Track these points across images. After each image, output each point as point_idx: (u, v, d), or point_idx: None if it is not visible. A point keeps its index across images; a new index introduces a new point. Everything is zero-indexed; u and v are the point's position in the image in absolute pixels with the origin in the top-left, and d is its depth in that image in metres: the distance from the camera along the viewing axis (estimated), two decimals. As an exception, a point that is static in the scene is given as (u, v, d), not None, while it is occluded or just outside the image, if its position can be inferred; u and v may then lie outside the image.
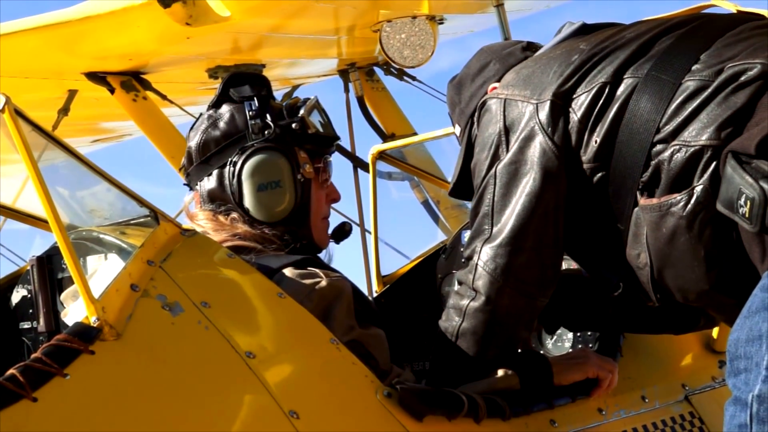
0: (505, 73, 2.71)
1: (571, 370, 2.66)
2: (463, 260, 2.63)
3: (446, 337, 2.56)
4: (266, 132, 2.75)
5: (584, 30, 2.65)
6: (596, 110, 2.42)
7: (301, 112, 2.79)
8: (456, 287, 2.58)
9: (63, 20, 4.53)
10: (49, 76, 5.00)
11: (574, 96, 2.45)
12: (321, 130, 2.81)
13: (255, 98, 2.77)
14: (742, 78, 2.27)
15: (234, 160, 2.74)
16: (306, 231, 2.78)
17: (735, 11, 2.83)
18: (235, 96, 2.79)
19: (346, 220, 2.84)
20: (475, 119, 2.66)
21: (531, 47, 2.77)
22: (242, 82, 2.82)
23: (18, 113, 2.14)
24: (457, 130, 2.81)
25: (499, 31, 4.56)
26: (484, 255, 2.49)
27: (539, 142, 2.45)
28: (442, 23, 4.79)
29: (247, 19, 4.35)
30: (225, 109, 2.78)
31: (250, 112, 2.75)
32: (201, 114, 2.85)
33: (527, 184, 2.46)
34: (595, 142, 2.42)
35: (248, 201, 2.72)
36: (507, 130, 2.50)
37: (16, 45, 4.61)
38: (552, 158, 2.44)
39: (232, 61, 5.02)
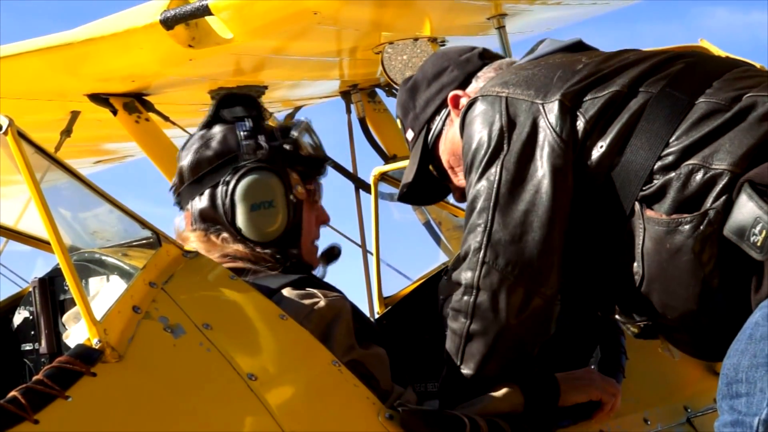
0: (465, 80, 2.72)
1: (575, 391, 2.64)
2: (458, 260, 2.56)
3: (452, 357, 2.54)
4: (259, 152, 2.75)
5: (578, 47, 2.66)
6: (606, 116, 2.41)
7: (293, 133, 2.79)
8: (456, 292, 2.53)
9: (66, 42, 4.54)
10: (52, 98, 5.01)
11: (583, 100, 2.43)
12: (313, 152, 2.82)
13: (247, 119, 2.78)
14: (763, 109, 2.29)
15: (227, 179, 2.73)
16: (296, 251, 2.77)
17: (724, 56, 2.88)
18: (227, 116, 2.80)
19: (339, 241, 2.84)
20: (449, 115, 2.67)
21: (487, 55, 2.79)
22: (234, 103, 2.82)
23: (21, 135, 2.15)
24: (410, 134, 2.82)
25: (501, 52, 4.57)
26: (491, 252, 2.44)
27: (548, 140, 2.42)
28: (444, 45, 4.81)
29: (249, 41, 4.36)
30: (217, 130, 2.79)
31: (243, 133, 2.76)
32: (192, 134, 2.85)
33: (538, 182, 2.42)
34: (601, 147, 2.40)
35: (240, 220, 2.72)
36: (510, 128, 2.46)
37: (19, 67, 4.62)
38: (561, 157, 2.41)
39: (234, 82, 5.03)
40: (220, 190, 2.73)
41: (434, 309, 3.37)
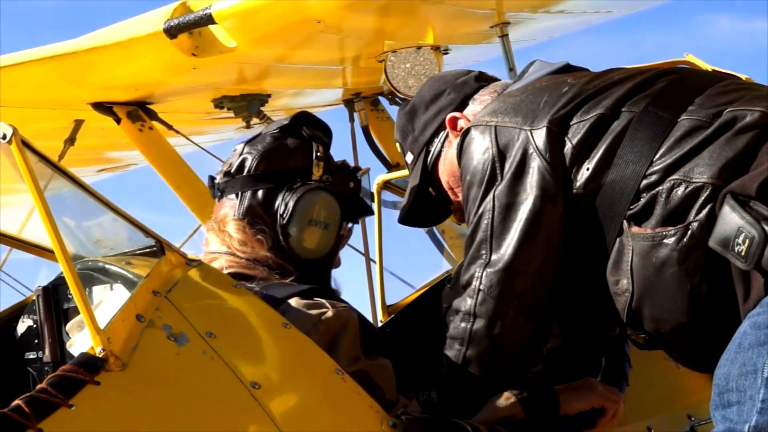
0: (461, 102, 2.78)
1: (577, 399, 2.65)
2: (459, 288, 2.62)
3: (452, 367, 2.56)
4: (326, 177, 2.81)
5: (566, 69, 2.70)
6: (591, 139, 2.45)
7: (359, 175, 2.90)
8: (452, 316, 2.58)
9: (69, 51, 4.55)
10: (55, 107, 5.02)
11: (570, 124, 2.48)
12: (365, 198, 2.93)
13: (323, 144, 2.86)
14: (742, 123, 2.33)
15: (294, 187, 2.76)
16: (325, 278, 2.83)
17: (710, 70, 2.90)
18: (305, 133, 2.84)
19: (342, 249, 2.90)
20: (447, 137, 2.73)
21: (483, 77, 2.84)
22: (315, 124, 2.90)
23: (25, 144, 2.15)
24: (409, 157, 2.88)
25: (504, 61, 4.58)
26: (486, 280, 2.49)
27: (537, 166, 2.47)
28: (446, 53, 4.81)
29: (252, 50, 4.36)
30: (293, 140, 2.84)
31: (318, 154, 2.80)
32: (260, 132, 2.88)
33: (528, 208, 2.47)
34: (587, 169, 2.44)
35: (294, 228, 2.74)
36: (501, 157, 2.51)
37: (23, 76, 4.63)
38: (551, 182, 2.46)
39: (237, 91, 5.03)
40: (282, 193, 2.76)
41: (437, 317, 3.37)
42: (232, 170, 2.83)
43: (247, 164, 2.80)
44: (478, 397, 2.56)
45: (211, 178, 2.89)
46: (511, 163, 2.49)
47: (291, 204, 2.75)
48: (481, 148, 2.54)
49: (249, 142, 2.85)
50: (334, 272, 2.91)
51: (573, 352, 2.85)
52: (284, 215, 2.75)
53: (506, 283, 2.48)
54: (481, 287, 2.50)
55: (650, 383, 2.93)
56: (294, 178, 2.79)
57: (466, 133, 2.60)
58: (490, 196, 2.51)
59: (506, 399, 2.56)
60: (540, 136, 2.47)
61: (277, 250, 2.74)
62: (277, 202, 2.76)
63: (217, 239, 2.77)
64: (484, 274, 2.49)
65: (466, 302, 2.53)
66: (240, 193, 2.80)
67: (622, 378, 2.84)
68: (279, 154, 2.81)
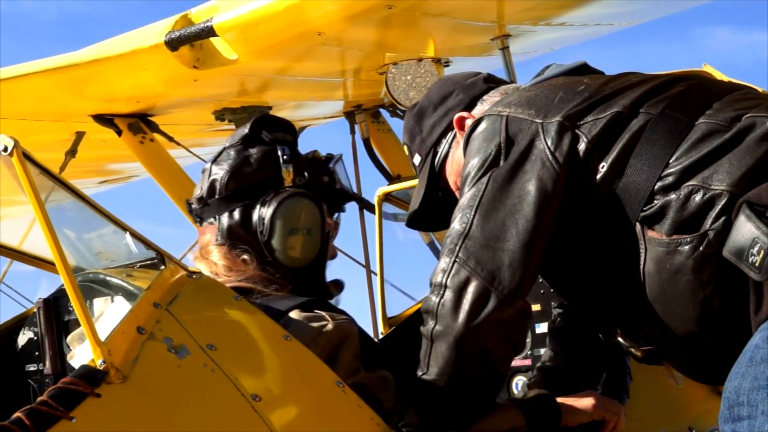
0: (470, 103, 2.74)
1: (578, 411, 2.65)
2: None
3: (420, 361, 2.50)
4: (298, 179, 2.77)
5: (583, 69, 2.68)
6: (608, 137, 2.42)
7: (331, 166, 2.82)
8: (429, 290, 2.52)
9: (71, 63, 4.55)
10: (57, 119, 5.03)
11: (584, 122, 2.44)
12: (343, 187, 2.85)
13: (287, 144, 2.79)
14: (762, 129, 2.30)
15: (267, 199, 2.73)
16: (320, 280, 2.80)
17: (727, 80, 2.89)
18: (267, 138, 2.80)
19: (343, 262, 2.89)
20: (455, 138, 2.69)
21: (491, 79, 2.81)
22: (274, 126, 2.83)
23: (26, 156, 2.16)
24: (417, 159, 2.82)
25: (504, 73, 4.58)
26: (464, 252, 2.43)
27: (541, 158, 2.44)
28: (447, 66, 4.82)
29: (254, 62, 4.37)
30: (257, 149, 2.79)
31: (284, 157, 2.77)
32: (224, 148, 2.83)
33: (524, 192, 2.42)
34: (602, 166, 2.41)
35: (276, 242, 2.72)
36: (508, 144, 2.48)
37: (24, 88, 4.63)
38: (552, 172, 2.42)
39: (239, 103, 5.04)
40: (257, 209, 2.73)
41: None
42: (204, 195, 2.79)
43: (217, 186, 2.76)
44: (447, 389, 2.47)
45: (188, 204, 2.85)
46: (516, 151, 2.46)
47: (267, 218, 2.71)
48: (489, 135, 2.50)
49: (215, 161, 2.81)
50: (335, 272, 2.91)
51: (574, 365, 2.85)
52: (264, 231, 2.71)
53: (485, 258, 2.41)
54: (457, 259, 2.43)
55: (651, 395, 2.93)
56: (265, 190, 2.75)
57: (477, 122, 2.56)
58: (486, 177, 2.46)
59: (508, 410, 2.56)
60: (550, 131, 2.44)
61: (266, 266, 2.72)
62: (254, 219, 2.73)
63: (205, 267, 2.74)
64: (463, 246, 2.43)
65: (438, 274, 2.46)
66: (217, 217, 2.77)
67: (623, 390, 2.83)
68: (245, 168, 2.76)
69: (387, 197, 3.71)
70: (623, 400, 2.80)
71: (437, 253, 4.76)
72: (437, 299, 2.44)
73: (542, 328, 3.05)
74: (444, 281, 2.44)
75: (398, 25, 4.31)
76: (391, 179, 5.23)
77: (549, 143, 2.43)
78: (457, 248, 2.44)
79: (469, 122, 2.69)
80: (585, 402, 2.67)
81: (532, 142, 2.45)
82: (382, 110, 5.44)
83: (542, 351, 2.97)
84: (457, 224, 2.47)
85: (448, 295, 2.43)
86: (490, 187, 2.45)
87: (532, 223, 2.40)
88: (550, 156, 2.43)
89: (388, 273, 3.72)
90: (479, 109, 2.74)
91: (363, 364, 2.56)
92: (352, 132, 5.48)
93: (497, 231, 2.42)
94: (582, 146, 2.42)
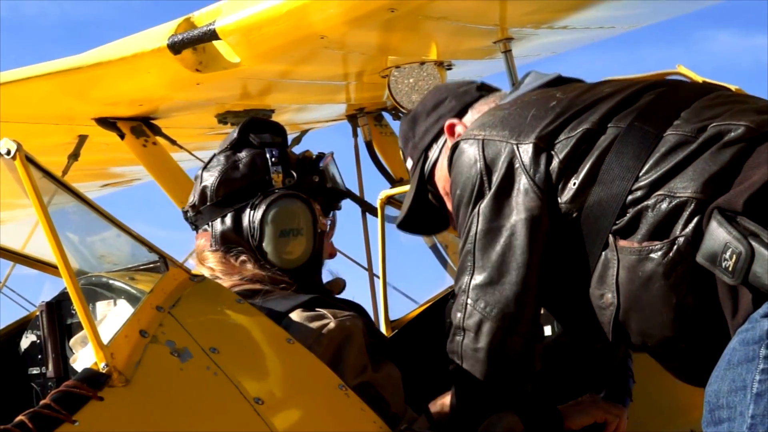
0: (461, 110, 2.80)
1: (580, 413, 2.66)
2: (451, 298, 2.64)
3: (455, 383, 2.56)
4: (287, 180, 2.77)
5: (558, 81, 2.71)
6: (578, 154, 2.46)
7: (321, 165, 2.83)
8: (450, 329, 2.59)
9: (74, 66, 4.55)
10: (59, 122, 5.03)
11: (557, 141, 2.48)
12: (337, 185, 2.84)
13: (276, 146, 2.80)
14: (727, 137, 2.33)
15: (256, 203, 2.75)
16: (316, 280, 2.81)
17: (701, 81, 2.90)
18: (255, 141, 2.81)
19: (346, 265, 2.91)
20: (445, 144, 2.74)
21: (484, 87, 2.87)
22: (262, 128, 2.85)
23: (29, 159, 2.16)
24: (409, 163, 2.88)
25: (507, 76, 4.58)
26: (473, 293, 2.51)
27: (522, 183, 2.48)
28: (450, 69, 4.82)
29: (256, 65, 4.37)
30: (245, 153, 2.80)
31: (272, 159, 2.78)
32: (214, 155, 2.86)
33: (512, 224, 2.48)
34: (573, 184, 2.45)
35: (267, 245, 2.74)
36: (488, 170, 2.53)
37: (27, 91, 4.63)
38: (535, 198, 2.47)
39: (241, 106, 5.04)
40: (247, 213, 2.75)
41: (441, 332, 3.37)
42: (197, 202, 2.82)
43: (208, 192, 2.79)
44: (481, 411, 2.55)
45: (184, 213, 2.89)
46: (497, 177, 2.51)
47: (257, 223, 2.73)
48: (469, 162, 2.56)
49: (205, 167, 2.84)
50: (335, 272, 2.92)
51: (576, 368, 2.85)
52: (255, 236, 2.74)
53: (491, 297, 2.49)
54: (469, 301, 2.52)
55: (653, 398, 2.93)
56: (255, 193, 2.77)
57: (455, 146, 2.62)
58: (476, 210, 2.53)
59: (508, 414, 2.56)
60: (527, 152, 2.49)
61: (262, 265, 2.74)
62: (245, 223, 2.75)
63: (206, 272, 2.75)
64: (471, 286, 2.52)
65: (456, 315, 2.55)
66: (210, 224, 2.79)
67: (625, 393, 2.83)
68: (234, 173, 2.78)
69: (389, 200, 3.72)
70: (626, 404, 2.80)
71: (440, 257, 4.77)
72: (460, 339, 2.56)
73: (546, 330, 3.06)
74: (462, 324, 2.54)
75: (401, 28, 4.31)
76: (394, 182, 5.23)
77: (527, 165, 2.48)
78: (467, 290, 2.53)
79: (459, 129, 2.76)
80: (587, 404, 2.68)
81: (511, 167, 2.50)
82: (384, 113, 5.44)
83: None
84: (463, 264, 2.55)
85: (469, 336, 2.53)
86: (482, 224, 2.51)
87: (527, 255, 2.47)
88: (530, 180, 2.47)
89: (390, 276, 3.72)
90: (469, 117, 2.80)
91: (370, 356, 2.56)
92: (355, 135, 5.48)
93: (497, 269, 2.49)
94: (555, 166, 2.47)
